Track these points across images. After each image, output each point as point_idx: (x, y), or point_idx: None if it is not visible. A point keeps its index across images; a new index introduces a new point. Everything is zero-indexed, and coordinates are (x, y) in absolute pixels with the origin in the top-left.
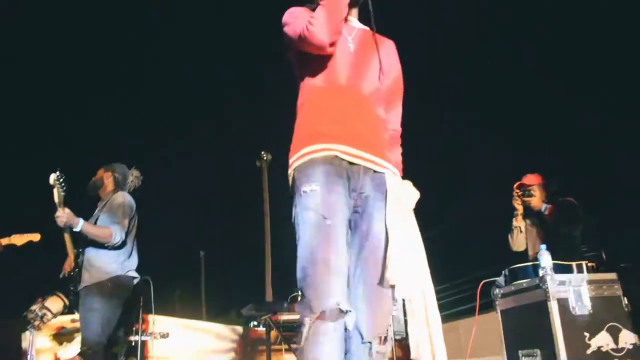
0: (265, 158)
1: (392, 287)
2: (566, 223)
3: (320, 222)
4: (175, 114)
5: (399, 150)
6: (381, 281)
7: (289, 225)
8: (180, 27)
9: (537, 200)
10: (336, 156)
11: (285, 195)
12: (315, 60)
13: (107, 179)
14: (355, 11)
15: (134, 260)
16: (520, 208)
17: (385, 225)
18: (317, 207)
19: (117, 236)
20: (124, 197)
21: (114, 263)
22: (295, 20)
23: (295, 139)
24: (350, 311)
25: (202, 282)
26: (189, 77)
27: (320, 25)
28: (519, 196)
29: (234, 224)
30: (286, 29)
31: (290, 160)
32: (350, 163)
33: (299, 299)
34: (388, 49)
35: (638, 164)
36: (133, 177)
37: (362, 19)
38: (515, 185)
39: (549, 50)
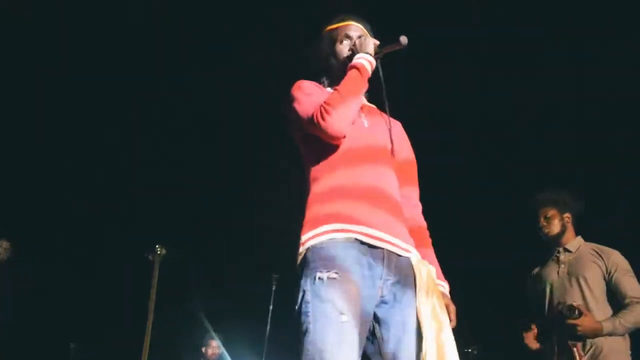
0: (159, 252)
1: None
2: None
3: (336, 318)
4: (65, 198)
5: (431, 250)
6: None
7: (172, 325)
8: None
9: None
10: (356, 239)
11: (173, 293)
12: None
13: None
14: None
15: None
16: None
17: (417, 317)
18: (333, 300)
19: None
20: None
21: None
22: (307, 98)
23: (311, 214)
24: None
25: None
26: (86, 163)
27: (337, 116)
28: None
29: (112, 318)
30: (296, 106)
31: (303, 238)
32: (372, 246)
33: None
34: (397, 128)
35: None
36: (2, 249)
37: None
38: None
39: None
